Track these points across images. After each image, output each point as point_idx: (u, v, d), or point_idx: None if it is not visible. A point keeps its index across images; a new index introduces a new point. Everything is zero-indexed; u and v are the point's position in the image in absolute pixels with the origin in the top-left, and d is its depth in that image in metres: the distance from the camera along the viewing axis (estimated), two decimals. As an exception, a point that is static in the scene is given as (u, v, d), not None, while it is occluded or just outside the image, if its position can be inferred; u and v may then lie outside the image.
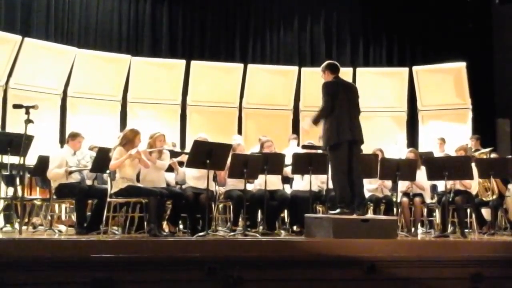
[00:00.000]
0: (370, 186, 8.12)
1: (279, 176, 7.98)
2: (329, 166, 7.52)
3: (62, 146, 9.51)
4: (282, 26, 13.59)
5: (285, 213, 8.53)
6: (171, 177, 7.86)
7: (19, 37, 10.60)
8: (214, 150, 6.78)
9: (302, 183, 8.11)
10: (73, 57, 11.25)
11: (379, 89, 12.16)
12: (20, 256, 5.05)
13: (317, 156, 7.76)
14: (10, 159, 7.72)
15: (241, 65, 12.46)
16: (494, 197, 8.31)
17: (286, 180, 8.49)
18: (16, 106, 6.46)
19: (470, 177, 7.57)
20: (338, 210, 6.61)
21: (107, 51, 11.92)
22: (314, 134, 9.83)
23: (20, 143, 6.60)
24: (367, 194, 7.69)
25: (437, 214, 8.39)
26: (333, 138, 6.62)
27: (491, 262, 5.94)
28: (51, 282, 5.03)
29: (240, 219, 7.68)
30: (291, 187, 8.49)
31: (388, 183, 8.27)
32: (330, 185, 7.52)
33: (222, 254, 5.50)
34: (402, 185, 8.10)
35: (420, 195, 8.13)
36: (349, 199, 6.63)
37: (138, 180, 7.09)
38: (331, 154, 6.76)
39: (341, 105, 6.65)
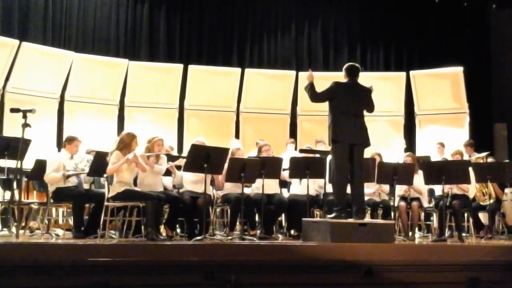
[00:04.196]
0: (368, 190, 8.09)
1: (277, 180, 7.98)
2: (327, 170, 7.56)
3: (59, 150, 9.50)
4: (279, 30, 13.61)
5: (283, 217, 8.53)
6: (168, 181, 7.85)
7: (16, 41, 10.59)
8: (211, 154, 6.78)
9: (300, 187, 8.10)
10: (70, 61, 11.25)
11: (376, 93, 12.10)
12: (17, 260, 5.05)
13: (315, 160, 7.76)
14: (7, 163, 7.70)
15: (239, 70, 12.47)
16: (492, 201, 8.32)
17: (284, 184, 8.48)
18: (13, 110, 6.44)
19: (467, 181, 7.59)
20: (333, 214, 6.61)
21: (104, 56, 11.92)
22: (311, 138, 9.89)
23: (17, 147, 6.59)
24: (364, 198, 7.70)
25: (435, 218, 8.41)
26: (331, 135, 6.71)
27: (489, 266, 5.95)
28: (48, 286, 5.03)
29: (238, 223, 7.67)
30: (288, 191, 8.48)
31: (386, 187, 8.27)
32: (328, 189, 7.53)
33: (219, 258, 5.50)
34: (400, 189, 8.10)
35: (418, 199, 8.13)
36: (345, 203, 6.64)
37: (135, 184, 7.09)
38: (332, 153, 6.85)
39: (340, 106, 6.71)
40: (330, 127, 6.75)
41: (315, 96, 6.86)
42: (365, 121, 6.91)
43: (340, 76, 7.19)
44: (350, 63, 7.21)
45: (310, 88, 6.88)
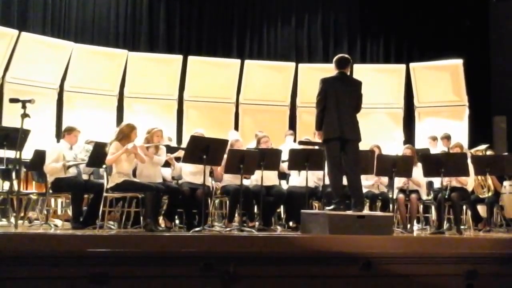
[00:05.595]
0: (367, 183, 8.12)
1: (276, 172, 7.98)
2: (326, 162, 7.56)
3: (58, 141, 9.50)
4: (279, 21, 13.58)
5: (281, 209, 8.54)
6: (167, 172, 7.86)
7: (15, 31, 10.57)
8: (210, 146, 6.77)
9: (299, 179, 8.11)
10: (70, 51, 11.23)
11: (376, 85, 12.13)
12: (15, 250, 5.04)
13: (314, 152, 7.75)
14: (6, 153, 7.71)
15: (238, 61, 12.45)
16: (490, 194, 8.34)
17: (283, 176, 8.50)
18: (12, 101, 6.44)
19: (466, 174, 7.60)
20: (332, 206, 6.62)
21: (104, 46, 11.91)
22: (310, 130, 9.88)
23: (16, 138, 6.59)
24: (363, 191, 7.69)
25: (433, 210, 8.42)
26: (324, 134, 6.68)
27: (487, 259, 5.95)
28: (47, 276, 5.03)
29: (237, 215, 7.68)
30: (287, 183, 8.49)
31: (385, 179, 8.27)
32: (327, 181, 7.53)
33: (218, 250, 5.50)
34: (399, 181, 8.10)
35: (416, 191, 8.13)
36: (342, 195, 6.64)
37: (134, 175, 7.09)
38: (325, 150, 6.81)
39: (331, 102, 6.65)
40: (323, 127, 6.67)
41: (320, 110, 6.72)
42: (365, 114, 6.87)
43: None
44: (340, 55, 7.07)
45: (316, 126, 6.80)
